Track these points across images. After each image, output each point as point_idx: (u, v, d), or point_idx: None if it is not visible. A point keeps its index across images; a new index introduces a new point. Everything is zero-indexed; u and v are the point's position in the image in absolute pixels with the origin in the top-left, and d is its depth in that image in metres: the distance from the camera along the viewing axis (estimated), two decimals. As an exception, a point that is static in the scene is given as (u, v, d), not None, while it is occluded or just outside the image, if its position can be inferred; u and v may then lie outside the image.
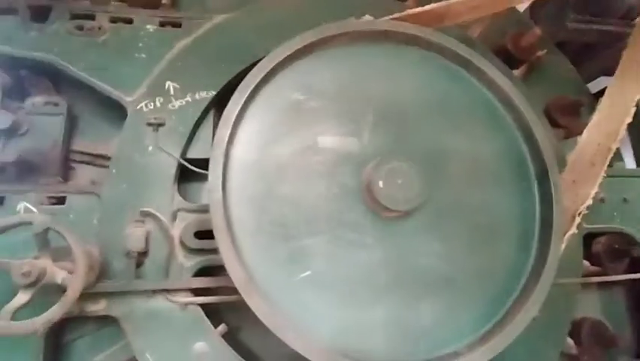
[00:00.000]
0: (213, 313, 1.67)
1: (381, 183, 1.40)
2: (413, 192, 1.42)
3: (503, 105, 1.65)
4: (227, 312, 1.76)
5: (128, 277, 1.53)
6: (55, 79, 1.90)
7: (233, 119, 1.39)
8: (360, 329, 1.36)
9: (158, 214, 1.61)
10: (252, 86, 1.45)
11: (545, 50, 2.28)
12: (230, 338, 1.63)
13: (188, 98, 1.81)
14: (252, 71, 1.47)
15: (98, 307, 1.53)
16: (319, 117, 1.51)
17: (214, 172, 1.31)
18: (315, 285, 1.35)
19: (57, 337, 1.61)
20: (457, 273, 1.45)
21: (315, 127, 1.50)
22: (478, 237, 1.51)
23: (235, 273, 1.24)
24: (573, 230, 1.60)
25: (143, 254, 1.58)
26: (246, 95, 1.43)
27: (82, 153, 1.91)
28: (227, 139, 1.36)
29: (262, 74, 1.46)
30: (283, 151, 1.46)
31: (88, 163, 1.92)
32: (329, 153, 1.48)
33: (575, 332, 1.92)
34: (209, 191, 1.30)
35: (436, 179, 1.52)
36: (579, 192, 1.69)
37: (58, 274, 1.20)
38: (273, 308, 1.25)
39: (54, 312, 1.13)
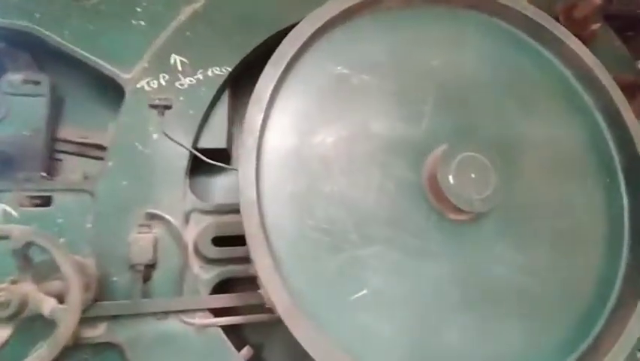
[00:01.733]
0: (232, 330, 1.39)
1: (451, 178, 1.12)
2: (489, 190, 1.15)
3: (582, 83, 1.38)
4: (249, 329, 1.48)
5: (133, 296, 1.23)
6: (38, 52, 1.57)
7: (267, 99, 1.08)
8: (431, 358, 1.09)
9: (168, 217, 1.31)
10: (288, 57, 1.14)
11: (600, 24, 2.01)
12: (254, 359, 1.36)
13: (199, 76, 1.50)
14: (286, 39, 1.17)
15: (96, 333, 1.24)
16: (369, 97, 1.22)
17: (245, 166, 1.02)
18: (373, 306, 1.08)
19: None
20: (540, 286, 1.20)
21: (365, 109, 1.21)
22: (560, 242, 1.25)
23: (277, 295, 0.96)
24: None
25: (151, 266, 1.29)
26: (282, 70, 1.12)
27: (70, 142, 1.59)
28: (260, 124, 1.06)
29: (300, 42, 1.16)
30: (327, 139, 1.17)
31: (78, 154, 1.60)
32: (383, 140, 1.20)
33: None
34: (241, 189, 1.01)
35: (510, 173, 1.25)
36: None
37: (44, 303, 0.91)
38: (322, 336, 0.98)
39: (42, 357, 0.84)
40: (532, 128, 1.32)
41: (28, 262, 0.93)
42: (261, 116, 1.07)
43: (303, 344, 0.94)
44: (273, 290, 0.96)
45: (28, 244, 0.88)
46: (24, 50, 1.54)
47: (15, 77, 1.46)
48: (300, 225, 1.08)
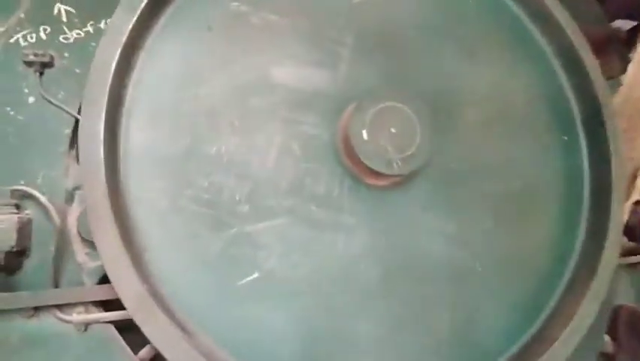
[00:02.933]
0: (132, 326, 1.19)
1: (365, 134, 0.91)
2: (413, 147, 0.94)
3: (536, 23, 1.16)
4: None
5: (-10, 290, 1.01)
6: None
7: (125, 35, 0.86)
8: (341, 354, 0.89)
9: (36, 193, 1.09)
10: (161, -14, 0.91)
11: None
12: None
13: (89, 29, 1.26)
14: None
15: (-48, 334, 1.03)
16: (273, 39, 1.00)
17: (89, 117, 0.80)
18: (266, 293, 0.87)
19: None
20: (478, 262, 1.00)
21: (266, 54, 0.99)
22: (503, 209, 1.05)
23: (124, 283, 0.75)
24: (636, 197, 1.16)
25: (19, 254, 1.07)
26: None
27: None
28: (115, 65, 0.83)
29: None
30: (217, 90, 0.95)
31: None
32: (288, 92, 0.98)
33: (610, 323, 1.51)
34: (80, 148, 0.79)
35: (444, 129, 1.04)
36: (635, 145, 1.24)
37: None
38: (196, 335, 0.77)
39: None
40: (475, 77, 1.11)
41: None
42: (117, 53, 0.84)
43: (160, 349, 0.73)
44: (120, 276, 0.74)
45: None
46: None
47: None
48: (174, 195, 0.87)
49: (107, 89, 0.82)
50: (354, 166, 0.95)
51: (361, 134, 0.91)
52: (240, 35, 1.00)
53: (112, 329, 1.09)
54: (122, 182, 0.83)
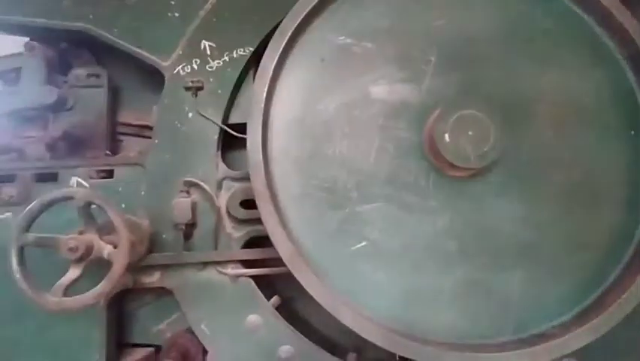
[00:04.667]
0: (267, 284, 1.60)
1: (447, 136, 1.17)
2: (486, 146, 1.17)
3: (603, 28, 1.29)
4: (281, 283, 1.67)
5: (177, 250, 1.48)
6: (95, 49, 1.85)
7: (270, 73, 1.22)
8: (426, 305, 1.19)
9: (202, 184, 1.53)
10: (289, 32, 1.26)
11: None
12: (284, 309, 1.55)
13: (226, 58, 1.66)
14: (287, 16, 1.28)
15: (153, 279, 1.52)
16: (371, 63, 1.29)
17: (252, 132, 1.17)
18: (373, 256, 1.19)
19: (119, 307, 1.65)
20: (544, 240, 1.21)
21: (366, 75, 1.29)
22: (572, 197, 1.24)
23: (282, 245, 1.12)
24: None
25: (191, 225, 1.52)
26: (283, 44, 1.24)
27: (128, 125, 1.88)
28: (265, 95, 1.20)
29: (299, 18, 1.26)
30: (330, 105, 1.27)
31: (135, 135, 1.89)
32: (383, 105, 1.27)
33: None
34: (248, 152, 1.17)
35: (518, 129, 1.25)
36: None
37: (104, 248, 1.17)
38: (325, 282, 1.12)
39: (103, 287, 1.10)
40: (545, 80, 1.29)
41: (92, 218, 1.19)
42: (266, 87, 1.20)
43: (306, 288, 1.09)
44: (278, 241, 1.11)
45: (88, 203, 1.13)
46: (85, 48, 1.83)
47: (79, 72, 1.76)
48: (304, 184, 1.22)
49: (262, 110, 1.18)
50: (437, 162, 1.22)
51: (444, 137, 1.17)
52: (345, 62, 1.30)
53: (252, 282, 1.51)
54: (270, 175, 1.19)
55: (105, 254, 1.16)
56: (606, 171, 1.25)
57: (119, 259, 1.11)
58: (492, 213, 1.22)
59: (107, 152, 1.74)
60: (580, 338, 1.10)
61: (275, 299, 1.54)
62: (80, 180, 1.61)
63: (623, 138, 1.26)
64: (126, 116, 1.88)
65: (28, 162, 1.65)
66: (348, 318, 1.09)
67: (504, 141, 1.18)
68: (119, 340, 1.66)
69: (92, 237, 1.17)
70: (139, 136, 1.90)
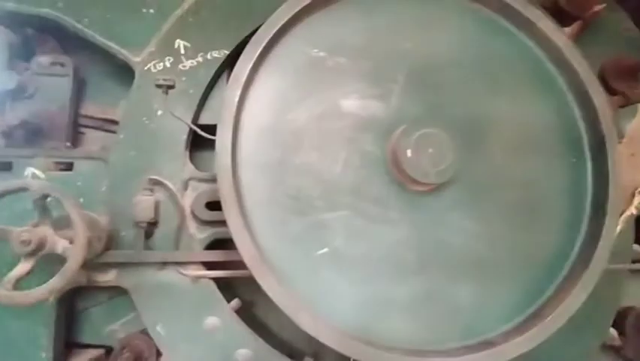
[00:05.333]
0: (227, 287, 1.60)
1: (409, 152, 1.24)
2: (445, 163, 1.25)
3: (554, 64, 1.43)
4: (242, 286, 1.68)
5: (137, 248, 1.45)
6: (62, 38, 1.79)
7: (244, 79, 1.24)
8: (382, 312, 1.24)
9: (167, 183, 1.51)
10: (264, 41, 1.29)
11: (604, 5, 1.98)
12: (244, 312, 1.56)
13: (200, 59, 1.66)
14: (263, 25, 1.31)
15: (108, 278, 1.48)
16: (342, 77, 1.34)
17: (222, 136, 1.19)
18: (334, 263, 1.23)
19: (70, 305, 1.58)
20: (493, 254, 1.30)
21: (337, 89, 1.34)
22: (519, 215, 1.34)
23: (244, 248, 1.13)
24: (631, 211, 1.40)
25: (153, 224, 1.50)
26: (258, 52, 1.27)
27: (91, 117, 1.82)
28: (237, 100, 1.22)
29: (275, 28, 1.29)
30: (301, 116, 1.31)
31: (98, 128, 1.83)
32: (352, 118, 1.32)
33: (619, 321, 1.74)
34: (217, 156, 1.18)
35: (473, 149, 1.34)
36: (638, 167, 1.47)
37: (58, 243, 1.13)
38: (286, 287, 1.15)
39: (55, 283, 1.07)
40: (501, 107, 1.40)
41: (46, 211, 1.15)
42: (238, 92, 1.22)
43: (267, 291, 1.11)
44: (241, 244, 1.13)
45: (45, 196, 1.10)
46: (50, 35, 1.77)
47: (43, 59, 1.70)
48: (271, 190, 1.24)
49: (233, 115, 1.20)
50: (399, 175, 1.28)
51: (406, 152, 1.24)
52: (318, 75, 1.34)
53: (213, 284, 1.51)
54: (238, 179, 1.21)
55: (59, 249, 1.12)
56: (550, 194, 1.37)
57: (75, 255, 1.08)
58: (447, 227, 1.30)
59: (68, 144, 1.68)
60: (519, 346, 1.19)
61: (235, 302, 1.54)
62: (35, 171, 1.54)
63: (566, 165, 1.38)
64: (89, 108, 1.82)
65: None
66: (306, 322, 1.12)
67: (462, 160, 1.26)
68: (68, 339, 1.59)
69: (46, 230, 1.13)
70: (102, 130, 1.85)
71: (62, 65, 1.71)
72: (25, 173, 1.53)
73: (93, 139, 1.83)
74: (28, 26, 1.73)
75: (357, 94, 1.34)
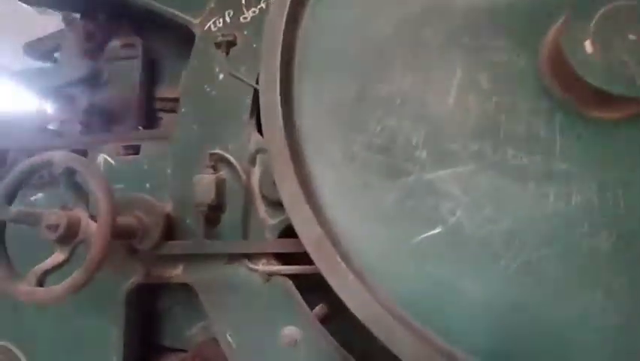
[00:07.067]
0: (312, 286, 1.22)
1: (588, 46, 0.67)
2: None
3: None
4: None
5: (197, 237, 1.19)
6: (135, 21, 1.69)
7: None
8: (550, 343, 0.69)
9: (228, 156, 1.22)
10: None
11: None
12: (333, 321, 1.17)
13: (263, 5, 1.35)
14: None
15: (174, 273, 1.26)
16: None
17: (268, 63, 0.81)
18: (450, 252, 0.73)
19: (146, 303, 1.42)
20: None
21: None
22: None
23: (306, 230, 0.73)
24: None
25: (217, 208, 1.22)
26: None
27: (165, 99, 1.68)
28: (286, 13, 0.83)
29: None
30: (386, 26, 0.85)
31: (174, 111, 1.68)
32: (466, 15, 0.81)
33: None
34: (261, 93, 0.81)
35: None
36: None
37: (93, 227, 0.91)
38: (370, 287, 0.70)
39: (78, 277, 0.84)
40: None
41: (80, 190, 0.95)
42: (284, 13, 0.84)
43: (337, 291, 0.69)
44: (300, 222, 0.73)
45: (70, 170, 0.89)
46: (124, 20, 1.68)
47: (115, 43, 1.61)
48: (345, 141, 0.82)
49: (279, 50, 0.81)
50: (569, 94, 0.72)
51: (582, 46, 0.67)
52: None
53: (290, 282, 1.15)
54: (294, 128, 0.82)
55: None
56: None
57: (98, 243, 0.84)
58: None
59: (140, 128, 1.55)
60: None
61: (320, 308, 1.16)
62: (106, 156, 1.43)
63: None
64: (165, 90, 1.68)
65: (62, 139, 1.53)
66: (407, 345, 0.66)
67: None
68: (150, 340, 1.43)
69: (79, 213, 0.92)
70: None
71: (132, 46, 1.60)
72: (98, 160, 1.43)
73: (171, 124, 1.68)
74: (101, 12, 1.67)
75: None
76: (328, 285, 1.23)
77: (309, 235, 0.73)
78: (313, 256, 0.73)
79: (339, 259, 0.71)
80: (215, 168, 1.25)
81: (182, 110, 1.36)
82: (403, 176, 0.78)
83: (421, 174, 0.78)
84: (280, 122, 0.78)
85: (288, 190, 0.76)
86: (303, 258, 1.15)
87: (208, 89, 1.35)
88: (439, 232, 0.74)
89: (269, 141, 0.80)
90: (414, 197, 0.77)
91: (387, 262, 0.74)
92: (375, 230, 0.77)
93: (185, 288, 1.34)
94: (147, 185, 1.35)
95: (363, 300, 0.68)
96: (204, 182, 1.20)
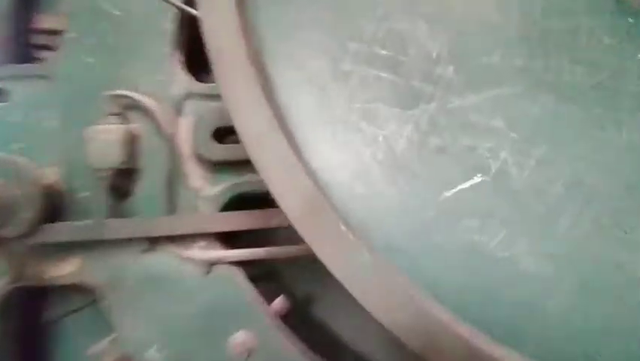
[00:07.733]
0: (266, 276, 0.94)
1: None
2: None
3: None
4: (291, 273, 1.00)
5: (96, 215, 0.82)
6: None
7: None
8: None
9: (143, 100, 0.85)
10: None
11: None
12: (296, 317, 0.90)
13: None
14: None
15: (67, 269, 0.87)
16: None
17: None
18: (501, 212, 0.50)
19: (26, 315, 1.00)
20: None
21: None
22: None
23: (289, 184, 0.43)
24: None
25: (127, 174, 0.86)
26: None
27: (46, 32, 1.21)
28: None
29: None
30: None
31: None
32: None
33: None
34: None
35: None
36: None
37: None
38: (386, 265, 0.44)
39: None
40: None
41: None
42: None
43: (336, 275, 0.41)
44: (277, 173, 0.43)
45: None
46: None
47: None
48: (333, 54, 0.53)
49: None
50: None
51: None
52: None
53: (240, 272, 0.85)
54: (261, 39, 0.51)
55: None
56: None
57: None
58: None
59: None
60: None
61: (280, 300, 0.87)
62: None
63: None
64: (43, 20, 1.22)
65: None
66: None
67: None
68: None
69: None
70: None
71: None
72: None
73: (53, 60, 1.22)
74: None
75: None
76: (286, 273, 0.97)
77: (293, 192, 0.43)
78: (301, 226, 0.44)
79: (343, 228, 0.43)
80: (121, 117, 0.87)
81: (72, 35, 0.94)
82: (422, 103, 0.52)
83: (445, 100, 0.52)
84: (234, 25, 0.46)
85: (254, 129, 0.45)
86: (256, 239, 0.87)
87: (108, 8, 0.95)
88: (478, 183, 0.50)
89: (219, 63, 0.48)
90: (438, 133, 0.52)
91: (409, 230, 0.48)
92: (382, 180, 0.50)
93: (83, 290, 0.94)
94: (22, 145, 0.92)
95: (370, 282, 0.42)
96: (108, 137, 0.82)
